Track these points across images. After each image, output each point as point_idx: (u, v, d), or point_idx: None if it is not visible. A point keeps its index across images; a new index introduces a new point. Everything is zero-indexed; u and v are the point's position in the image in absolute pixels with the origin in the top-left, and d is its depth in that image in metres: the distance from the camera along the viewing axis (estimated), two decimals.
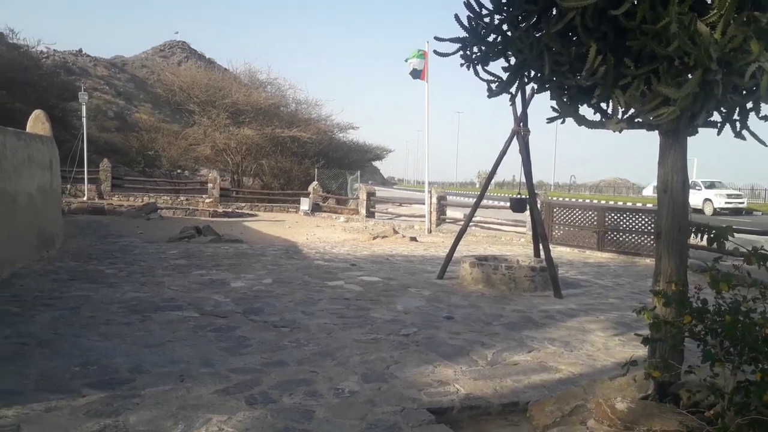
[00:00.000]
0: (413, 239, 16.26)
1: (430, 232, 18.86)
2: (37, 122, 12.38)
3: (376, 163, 59.02)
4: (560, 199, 40.79)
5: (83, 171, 23.86)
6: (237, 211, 24.85)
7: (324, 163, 32.26)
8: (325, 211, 25.85)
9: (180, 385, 4.29)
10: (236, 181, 31.96)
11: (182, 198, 26.31)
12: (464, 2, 4.01)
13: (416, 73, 18.20)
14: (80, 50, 57.11)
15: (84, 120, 24.53)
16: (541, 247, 9.20)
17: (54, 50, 44.40)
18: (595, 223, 14.20)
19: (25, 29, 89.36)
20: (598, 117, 3.88)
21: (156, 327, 5.90)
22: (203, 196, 26.22)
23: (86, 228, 15.74)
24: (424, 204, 19.93)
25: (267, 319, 6.42)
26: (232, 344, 5.40)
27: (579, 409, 3.68)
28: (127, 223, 18.18)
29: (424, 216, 19.74)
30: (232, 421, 3.69)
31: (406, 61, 18.21)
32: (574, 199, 47.81)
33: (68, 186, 22.99)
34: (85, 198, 23.62)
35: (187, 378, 4.43)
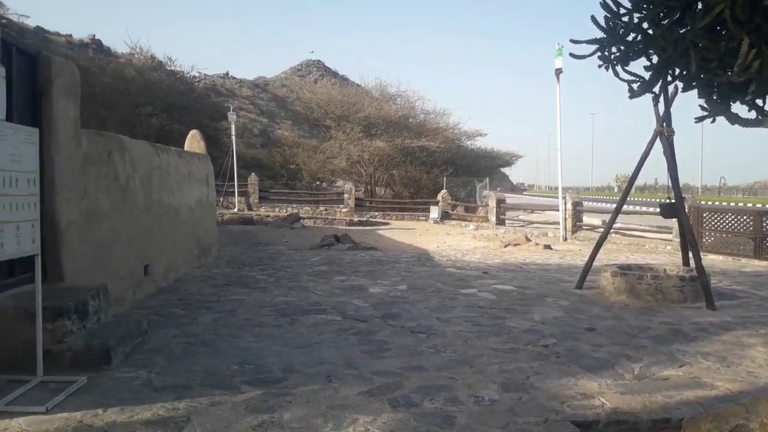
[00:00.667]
0: (547, 247, 15.82)
1: (565, 239, 18.24)
2: (193, 141, 13.66)
3: (505, 170, 58.11)
4: (710, 203, 37.70)
5: (233, 185, 25.86)
6: (371, 220, 25.65)
7: (452, 171, 32.39)
8: (454, 219, 25.91)
9: (327, 385, 4.54)
10: (369, 191, 32.98)
11: (321, 208, 27.63)
12: (600, 2, 3.91)
13: (560, 71, 17.81)
14: (227, 73, 61.93)
15: (233, 138, 26.62)
16: (690, 254, 8.61)
17: (205, 74, 48.41)
18: (750, 228, 13.00)
19: (181, 57, 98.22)
20: (753, 114, 3.61)
21: (304, 329, 6.29)
22: (340, 206, 27.35)
23: (237, 237, 17.04)
24: (557, 210, 19.30)
25: (404, 324, 6.60)
26: (373, 347, 5.62)
27: (740, 429, 3.43)
28: (273, 232, 19.42)
29: (557, 223, 19.11)
30: (377, 423, 3.85)
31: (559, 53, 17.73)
32: (725, 203, 43.98)
33: (221, 198, 25.03)
34: (235, 209, 25.56)
35: (333, 378, 4.69)
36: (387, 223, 24.97)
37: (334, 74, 68.33)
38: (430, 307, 7.54)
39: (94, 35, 44.38)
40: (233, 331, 6.19)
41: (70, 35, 43.57)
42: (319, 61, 79.81)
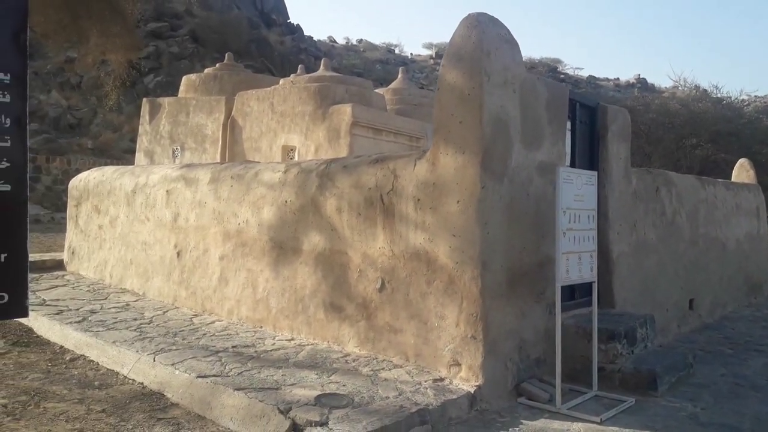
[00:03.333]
0: None
1: None
2: (742, 170, 12.74)
3: None
4: None
5: None
6: None
7: None
8: None
9: None
10: None
11: None
12: None
13: None
14: None
15: None
16: None
17: (754, 96, 43.97)
18: None
19: (728, 83, 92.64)
20: None
21: None
22: None
23: None
24: None
25: None
26: None
27: None
28: None
29: None
30: None
31: None
32: None
33: None
34: None
35: None
36: None
37: None
38: None
39: (639, 74, 46.38)
40: None
41: (617, 78, 46.76)
42: None
